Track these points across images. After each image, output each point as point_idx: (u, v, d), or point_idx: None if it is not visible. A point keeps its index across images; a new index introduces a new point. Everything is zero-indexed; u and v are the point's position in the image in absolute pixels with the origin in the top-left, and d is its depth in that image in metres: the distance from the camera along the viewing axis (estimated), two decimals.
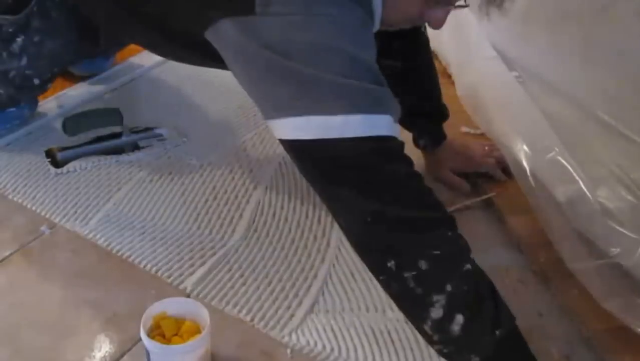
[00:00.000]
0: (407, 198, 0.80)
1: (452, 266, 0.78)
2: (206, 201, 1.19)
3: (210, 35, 0.88)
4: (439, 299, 0.76)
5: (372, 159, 0.79)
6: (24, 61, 1.20)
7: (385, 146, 0.81)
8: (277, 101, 0.83)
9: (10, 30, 1.16)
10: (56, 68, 1.27)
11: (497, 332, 0.76)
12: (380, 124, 0.80)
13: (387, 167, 0.80)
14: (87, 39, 1.25)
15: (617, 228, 1.01)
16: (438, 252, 0.77)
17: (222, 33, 0.86)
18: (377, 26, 0.92)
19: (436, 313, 0.76)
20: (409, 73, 1.19)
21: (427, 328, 0.78)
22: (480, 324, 0.76)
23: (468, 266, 0.79)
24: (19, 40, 1.18)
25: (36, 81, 1.25)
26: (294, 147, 0.83)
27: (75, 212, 1.15)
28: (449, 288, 0.76)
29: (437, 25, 0.94)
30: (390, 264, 0.78)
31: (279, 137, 0.84)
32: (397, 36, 1.11)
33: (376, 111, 0.80)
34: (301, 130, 0.80)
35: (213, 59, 0.91)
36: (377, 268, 0.82)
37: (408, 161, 0.83)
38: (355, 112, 0.78)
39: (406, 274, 0.78)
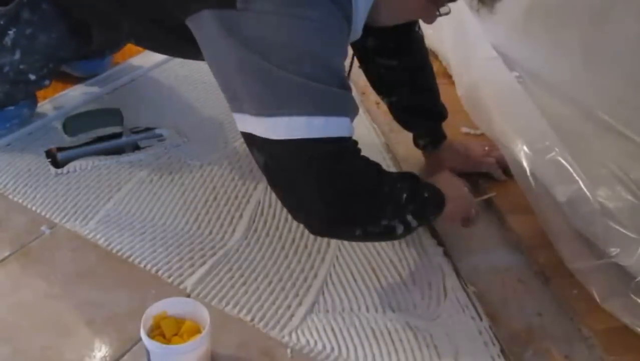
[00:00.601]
0: (358, 187, 0.89)
1: (396, 208, 0.92)
2: (206, 201, 1.19)
3: (190, 22, 0.90)
4: (398, 225, 0.92)
5: (331, 156, 0.86)
6: (17, 55, 1.20)
7: (342, 145, 0.88)
8: (247, 98, 0.86)
9: (2, 22, 1.16)
10: (51, 64, 1.26)
11: (425, 194, 0.96)
12: (340, 126, 0.87)
13: (341, 163, 0.88)
14: (80, 35, 1.25)
15: (617, 228, 1.01)
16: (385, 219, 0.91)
17: (203, 23, 0.88)
18: (358, 29, 0.95)
19: (399, 230, 0.93)
20: (404, 71, 1.20)
21: (400, 233, 0.94)
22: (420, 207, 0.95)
23: (405, 194, 0.92)
24: (10, 33, 1.17)
25: (31, 77, 1.24)
26: (255, 142, 0.87)
27: (75, 212, 1.15)
28: (401, 217, 0.92)
29: (430, 21, 1.00)
30: (358, 232, 0.91)
31: (243, 130, 0.89)
32: (391, 35, 1.13)
33: (337, 113, 0.86)
34: (267, 129, 0.85)
35: (192, 45, 0.92)
36: (348, 237, 1.01)
37: (359, 156, 0.91)
38: (318, 114, 0.84)
39: (370, 229, 0.92)
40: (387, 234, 0.94)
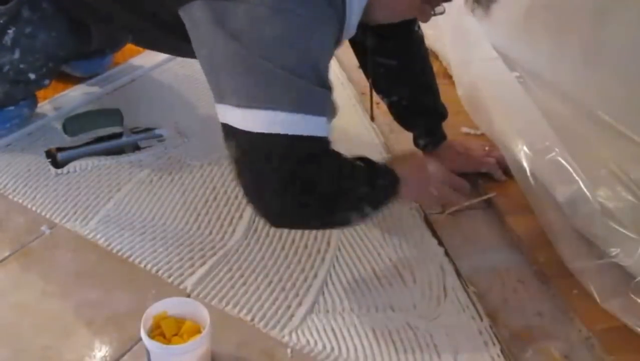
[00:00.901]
0: (326, 186, 0.90)
1: (356, 201, 0.93)
2: (206, 201, 1.19)
3: (183, 12, 0.90)
4: (355, 216, 0.94)
5: (305, 155, 0.87)
6: (16, 54, 1.20)
7: (316, 144, 0.88)
8: (230, 89, 0.86)
9: (1, 21, 1.17)
10: (51, 63, 1.26)
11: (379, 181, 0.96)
12: (317, 125, 0.87)
13: (310, 162, 0.88)
14: (80, 34, 1.25)
15: (617, 228, 1.01)
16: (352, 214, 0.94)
17: (194, 13, 0.88)
18: (353, 27, 0.95)
19: (356, 219, 0.95)
20: (404, 71, 1.20)
21: (355, 222, 0.97)
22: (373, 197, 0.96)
23: (362, 189, 0.94)
24: (10, 32, 1.18)
25: (31, 76, 1.24)
26: (232, 133, 0.87)
27: (75, 212, 1.15)
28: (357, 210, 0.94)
29: (425, 19, 1.00)
30: (316, 223, 0.97)
31: (223, 122, 0.89)
32: (391, 34, 1.13)
33: (315, 112, 0.87)
34: (247, 121, 0.85)
35: (189, 43, 0.92)
36: (304, 228, 1.06)
37: (333, 155, 0.92)
38: (297, 112, 0.85)
39: (328, 220, 0.95)
40: (343, 224, 0.99)
